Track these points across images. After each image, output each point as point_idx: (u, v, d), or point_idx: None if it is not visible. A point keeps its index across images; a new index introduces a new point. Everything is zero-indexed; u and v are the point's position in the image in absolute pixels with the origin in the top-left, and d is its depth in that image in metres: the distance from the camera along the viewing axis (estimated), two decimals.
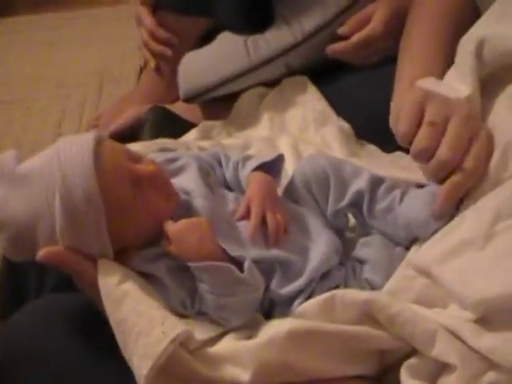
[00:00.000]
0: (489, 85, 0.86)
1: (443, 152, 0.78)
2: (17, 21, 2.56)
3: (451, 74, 0.88)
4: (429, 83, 0.86)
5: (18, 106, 2.15)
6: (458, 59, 0.88)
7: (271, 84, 1.30)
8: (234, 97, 1.31)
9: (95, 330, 0.80)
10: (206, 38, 1.36)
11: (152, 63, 1.42)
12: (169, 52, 1.39)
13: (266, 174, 0.84)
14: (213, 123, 1.26)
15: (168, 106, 1.34)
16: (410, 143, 0.81)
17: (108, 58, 2.27)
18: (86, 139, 0.76)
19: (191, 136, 1.21)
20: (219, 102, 1.31)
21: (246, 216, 0.81)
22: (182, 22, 1.38)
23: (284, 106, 1.27)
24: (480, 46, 0.83)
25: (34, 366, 0.79)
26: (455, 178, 0.78)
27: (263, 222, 0.80)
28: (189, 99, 1.30)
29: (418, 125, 0.81)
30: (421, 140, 0.80)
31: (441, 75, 0.89)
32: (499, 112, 0.84)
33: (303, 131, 1.21)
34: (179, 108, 1.34)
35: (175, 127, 1.25)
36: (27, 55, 2.36)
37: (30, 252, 0.76)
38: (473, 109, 0.82)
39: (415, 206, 0.81)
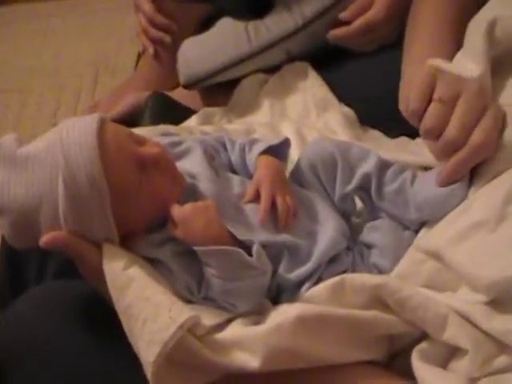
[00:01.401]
0: (499, 66, 0.85)
1: (450, 131, 0.78)
2: (11, 10, 2.55)
3: (460, 55, 0.87)
4: (440, 62, 0.85)
5: (13, 95, 2.15)
6: (467, 41, 0.87)
7: (271, 70, 1.29)
8: (233, 83, 1.29)
9: (97, 318, 0.80)
10: (205, 25, 1.35)
11: (151, 50, 1.40)
12: (168, 38, 1.37)
13: (273, 157, 0.83)
14: (213, 110, 1.25)
15: (167, 93, 1.32)
16: (418, 121, 0.81)
17: (104, 48, 2.27)
18: (90, 121, 0.75)
19: (191, 122, 1.20)
20: (219, 89, 1.30)
21: (255, 199, 0.80)
22: (181, 7, 1.37)
23: (284, 93, 1.26)
24: (492, 26, 0.83)
25: (35, 355, 0.78)
26: (460, 155, 0.78)
27: (272, 205, 0.79)
28: (189, 85, 1.28)
29: (428, 102, 0.80)
30: (430, 118, 0.79)
31: (450, 58, 0.89)
32: (509, 94, 0.83)
33: (304, 117, 1.20)
34: (178, 95, 1.32)
35: (175, 114, 1.23)
36: (22, 44, 2.36)
37: (33, 238, 0.75)
38: (483, 86, 0.81)
39: (428, 186, 0.80)
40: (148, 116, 1.24)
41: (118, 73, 2.15)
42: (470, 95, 0.79)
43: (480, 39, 0.83)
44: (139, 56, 1.52)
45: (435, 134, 0.79)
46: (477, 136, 0.77)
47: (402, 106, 0.92)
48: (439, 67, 0.82)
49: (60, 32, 2.38)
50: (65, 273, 0.92)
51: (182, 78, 1.28)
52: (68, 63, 2.23)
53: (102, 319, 0.78)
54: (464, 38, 0.90)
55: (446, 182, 0.79)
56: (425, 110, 0.80)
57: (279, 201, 0.79)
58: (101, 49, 2.27)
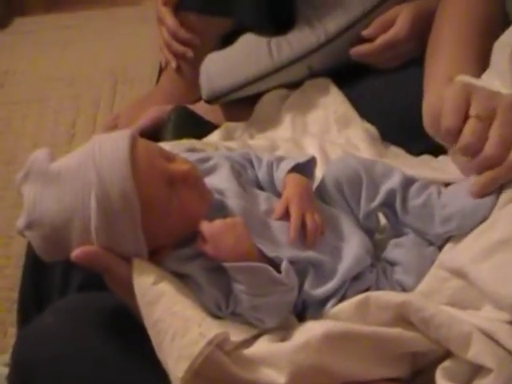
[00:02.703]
0: None
1: (491, 148, 0.79)
2: (31, 20, 2.57)
3: (486, 77, 0.88)
4: (470, 78, 0.86)
5: (32, 105, 2.15)
6: (493, 62, 0.88)
7: (293, 86, 1.30)
8: (255, 98, 1.30)
9: (121, 331, 0.80)
10: (228, 40, 1.36)
11: (173, 64, 1.41)
12: (190, 53, 1.39)
13: (301, 175, 0.84)
14: (235, 124, 1.26)
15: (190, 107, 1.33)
16: (454, 138, 0.81)
17: (122, 58, 2.29)
18: (122, 137, 0.76)
19: (214, 137, 1.21)
20: (240, 103, 1.31)
21: (285, 216, 0.80)
22: (205, 22, 1.37)
23: (306, 108, 1.27)
24: None
25: (49, 366, 0.79)
26: (498, 171, 0.79)
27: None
28: (211, 100, 1.29)
29: (463, 119, 0.81)
30: (468, 135, 0.80)
31: (474, 75, 0.89)
32: None
33: (325, 133, 1.21)
34: (200, 109, 1.33)
35: (198, 128, 1.24)
36: (41, 54, 2.37)
37: (62, 252, 0.76)
38: None
39: (457, 198, 0.82)
40: (171, 129, 1.25)
41: (137, 83, 2.16)
42: (506, 110, 0.79)
43: (506, 61, 0.84)
44: (161, 69, 1.53)
45: (473, 151, 0.80)
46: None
47: (426, 123, 0.93)
48: (471, 83, 0.83)
49: (79, 42, 2.40)
50: (89, 284, 0.92)
51: (204, 93, 1.30)
52: (87, 73, 2.24)
53: (126, 332, 0.79)
54: (487, 56, 0.91)
55: (479, 195, 0.80)
56: (460, 128, 0.81)
57: (309, 219, 0.79)
58: (119, 59, 2.28)
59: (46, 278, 0.99)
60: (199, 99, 1.35)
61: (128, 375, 0.79)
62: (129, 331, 0.78)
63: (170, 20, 1.38)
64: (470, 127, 0.80)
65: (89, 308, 0.84)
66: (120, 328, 0.81)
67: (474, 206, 0.80)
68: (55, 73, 2.27)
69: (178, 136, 1.17)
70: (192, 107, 1.33)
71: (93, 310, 0.83)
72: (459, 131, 0.81)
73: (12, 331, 1.47)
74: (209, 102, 1.30)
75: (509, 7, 1.00)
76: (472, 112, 0.80)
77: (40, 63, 2.33)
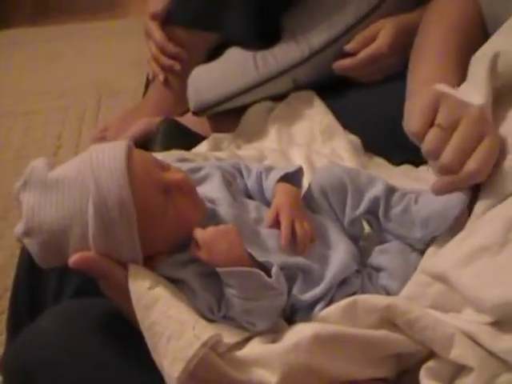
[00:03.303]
0: (501, 96, 0.89)
1: (446, 156, 0.82)
2: (17, 33, 2.58)
3: (464, 86, 0.91)
4: (445, 87, 0.89)
5: (18, 118, 2.16)
6: (470, 73, 0.91)
7: (278, 98, 1.33)
8: (241, 110, 1.33)
9: (122, 337, 0.81)
10: (214, 53, 1.39)
11: (161, 77, 1.44)
12: (178, 66, 1.41)
13: (290, 184, 0.87)
14: (222, 135, 1.28)
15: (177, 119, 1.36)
16: (420, 142, 0.85)
17: (107, 71, 2.29)
18: (119, 147, 0.78)
19: (202, 148, 1.23)
20: (227, 115, 1.33)
21: (275, 225, 0.83)
22: (192, 36, 1.40)
23: (291, 120, 1.29)
24: (495, 60, 0.87)
25: (60, 373, 0.80)
26: (453, 178, 0.82)
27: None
28: (199, 112, 1.32)
29: (430, 124, 0.84)
30: (428, 142, 0.84)
31: (455, 81, 0.92)
32: (510, 122, 0.87)
33: (311, 144, 1.23)
34: (188, 121, 1.35)
35: (186, 139, 1.26)
36: (27, 67, 2.38)
37: (60, 258, 0.77)
38: (485, 113, 0.84)
39: (432, 199, 0.84)
40: (159, 141, 1.27)
41: (121, 96, 2.17)
42: (469, 121, 0.83)
43: (483, 72, 0.87)
44: (148, 82, 1.56)
45: (434, 157, 0.83)
46: (471, 164, 0.81)
47: (406, 127, 0.96)
48: (444, 92, 0.86)
49: (64, 55, 2.40)
50: (84, 291, 0.93)
51: (192, 105, 1.32)
52: (72, 86, 2.25)
53: (123, 336, 0.80)
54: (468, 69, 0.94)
55: (437, 194, 0.84)
56: (425, 132, 0.84)
57: (298, 227, 0.82)
58: (104, 72, 2.29)
59: (40, 284, 1.00)
60: (187, 111, 1.38)
61: (126, 379, 0.80)
62: (126, 336, 0.79)
63: (158, 34, 1.40)
64: (431, 135, 0.84)
65: (85, 313, 0.85)
66: (117, 333, 0.82)
67: (444, 207, 0.82)
68: (41, 85, 2.27)
69: (167, 147, 1.19)
70: (180, 119, 1.35)
71: (89, 315, 0.84)
72: (423, 136, 0.84)
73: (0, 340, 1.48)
74: (196, 113, 1.32)
75: (487, 21, 1.04)
76: (436, 121, 0.84)
77: (26, 76, 2.33)
